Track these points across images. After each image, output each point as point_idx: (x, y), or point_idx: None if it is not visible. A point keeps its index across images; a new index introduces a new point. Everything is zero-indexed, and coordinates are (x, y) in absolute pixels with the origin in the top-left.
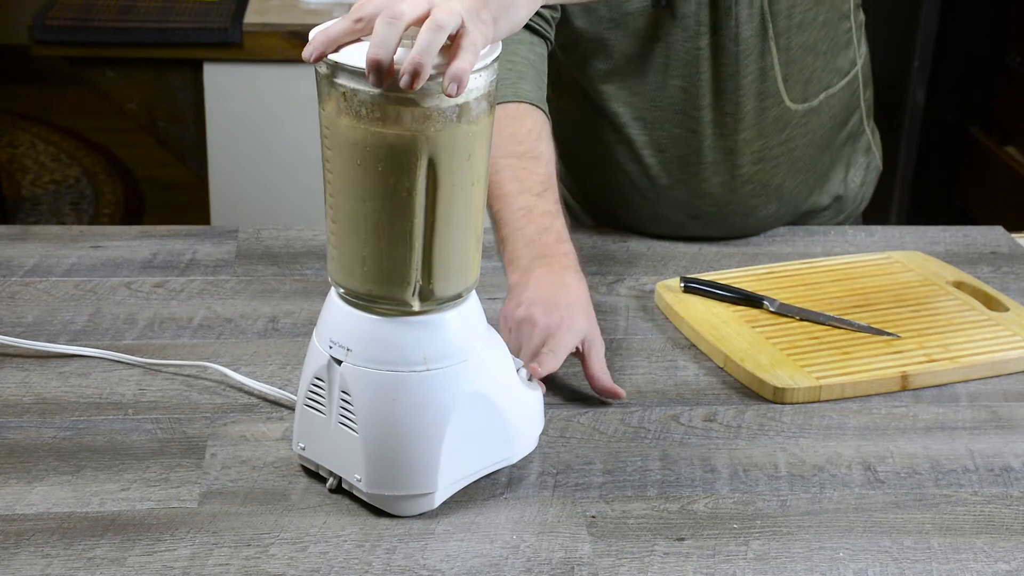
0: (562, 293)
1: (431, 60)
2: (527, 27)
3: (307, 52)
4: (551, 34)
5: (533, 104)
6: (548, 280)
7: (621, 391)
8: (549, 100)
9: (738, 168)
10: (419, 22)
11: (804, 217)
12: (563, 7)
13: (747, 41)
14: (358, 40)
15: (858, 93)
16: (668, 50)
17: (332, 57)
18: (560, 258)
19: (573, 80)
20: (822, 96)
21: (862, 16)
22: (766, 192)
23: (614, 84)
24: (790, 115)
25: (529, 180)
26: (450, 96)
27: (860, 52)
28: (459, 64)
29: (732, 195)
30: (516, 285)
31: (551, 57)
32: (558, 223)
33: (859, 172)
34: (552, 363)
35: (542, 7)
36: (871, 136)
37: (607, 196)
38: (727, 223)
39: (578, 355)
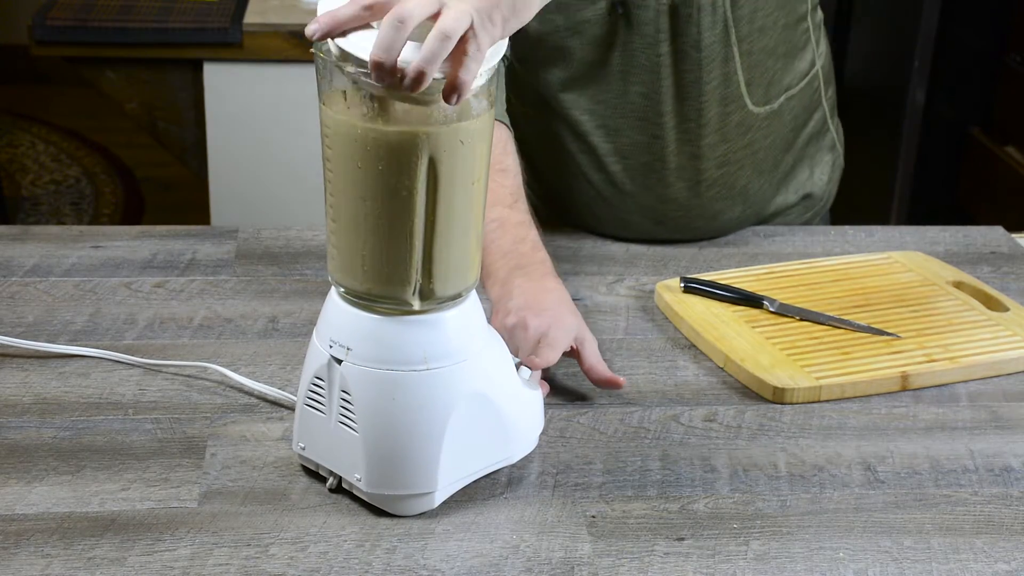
0: (546, 297)
1: (436, 68)
2: None
3: (311, 29)
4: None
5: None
6: (530, 287)
7: (621, 379)
8: (514, 109)
9: (702, 172)
10: (431, 19)
11: (772, 217)
12: None
13: (710, 47)
14: (365, 27)
15: (819, 92)
16: (627, 57)
17: (333, 53)
18: (537, 266)
19: (535, 90)
20: (783, 98)
21: (820, 15)
22: (731, 195)
23: (575, 92)
24: (752, 118)
25: (499, 192)
26: (449, 104)
27: (819, 51)
28: (462, 76)
29: (697, 199)
30: (499, 298)
31: (510, 68)
32: (532, 233)
33: (825, 170)
34: (550, 355)
35: None
36: (836, 134)
37: (573, 203)
38: (693, 227)
39: (573, 354)
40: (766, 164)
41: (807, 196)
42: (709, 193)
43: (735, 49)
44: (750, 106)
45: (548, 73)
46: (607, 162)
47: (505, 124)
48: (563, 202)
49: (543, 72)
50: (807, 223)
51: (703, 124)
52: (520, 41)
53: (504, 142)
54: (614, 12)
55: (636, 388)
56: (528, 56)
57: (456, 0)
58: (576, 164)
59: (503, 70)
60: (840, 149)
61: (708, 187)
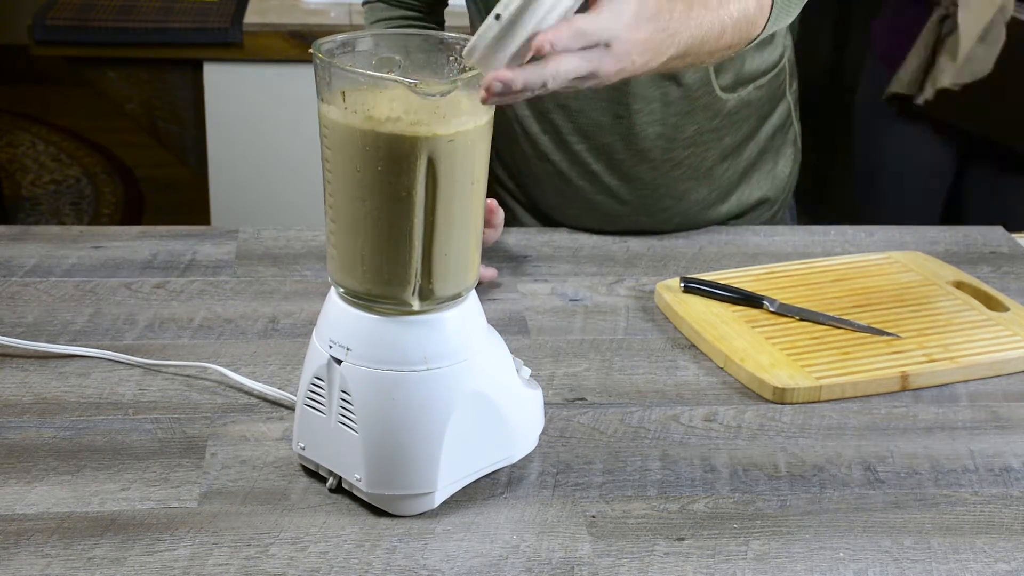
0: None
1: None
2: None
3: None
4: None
5: None
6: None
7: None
8: None
9: (668, 152)
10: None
11: (742, 214)
12: None
13: None
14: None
15: (784, 85)
16: None
17: (333, 60)
18: None
19: None
20: (751, 87)
21: None
22: (697, 175)
23: None
24: (720, 104)
25: None
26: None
27: (787, 44)
28: (509, 76)
29: (663, 178)
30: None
31: None
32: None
33: (788, 163)
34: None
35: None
36: (797, 128)
37: (542, 189)
38: (660, 207)
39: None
40: (731, 151)
41: (771, 188)
42: (675, 173)
43: None
44: (718, 92)
45: None
46: (570, 141)
47: None
48: (533, 189)
49: None
50: (774, 216)
51: (668, 104)
52: (475, 21)
53: None
54: None
55: (636, 388)
56: None
57: (623, 54)
58: (540, 146)
59: None
60: (799, 144)
61: (674, 167)
